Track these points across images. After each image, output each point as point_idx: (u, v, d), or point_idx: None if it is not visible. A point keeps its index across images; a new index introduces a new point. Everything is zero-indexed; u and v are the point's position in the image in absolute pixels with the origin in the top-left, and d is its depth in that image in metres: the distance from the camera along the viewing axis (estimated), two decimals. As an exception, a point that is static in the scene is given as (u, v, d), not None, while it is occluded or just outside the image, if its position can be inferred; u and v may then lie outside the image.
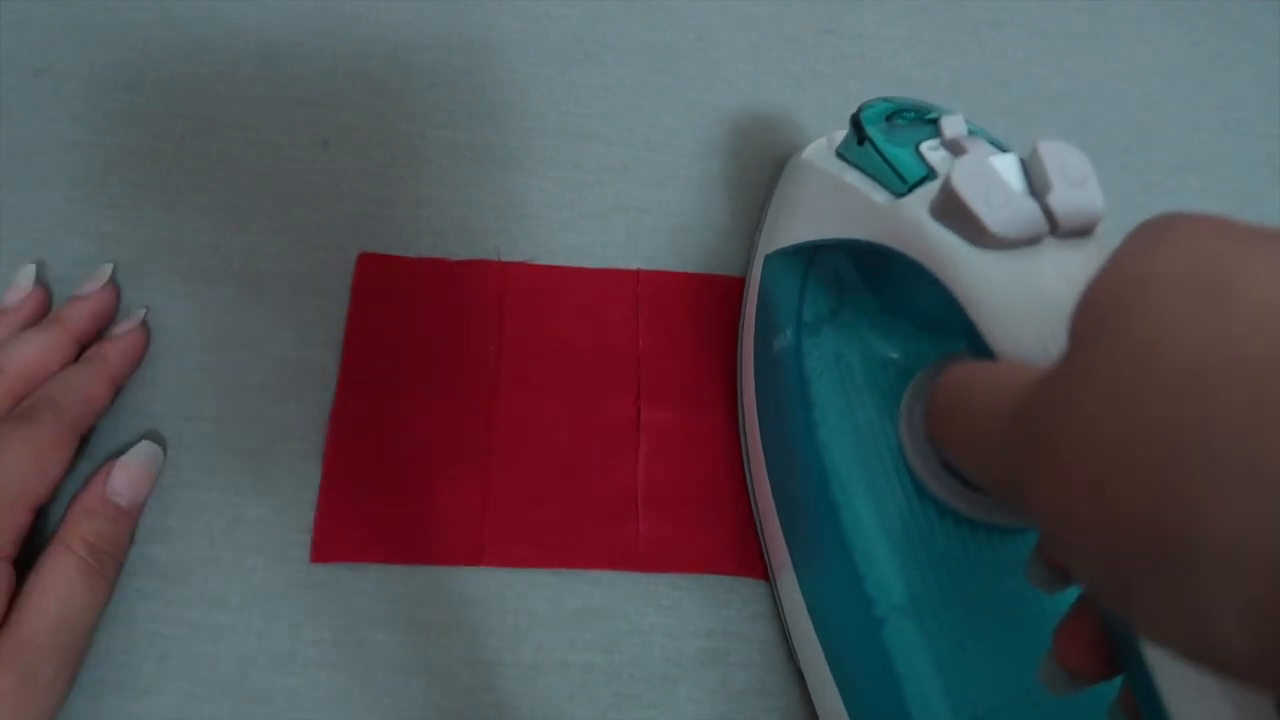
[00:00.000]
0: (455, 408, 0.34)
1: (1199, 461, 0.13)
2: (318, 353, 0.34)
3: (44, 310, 0.34)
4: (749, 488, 0.33)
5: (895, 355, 0.31)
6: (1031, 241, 0.22)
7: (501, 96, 0.41)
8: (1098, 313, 0.16)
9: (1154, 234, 0.16)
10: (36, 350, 0.31)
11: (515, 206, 0.38)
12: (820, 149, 0.33)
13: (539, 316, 0.36)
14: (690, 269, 0.37)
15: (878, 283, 0.31)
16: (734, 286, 0.37)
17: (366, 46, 0.41)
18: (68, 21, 0.40)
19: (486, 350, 0.35)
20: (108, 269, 0.34)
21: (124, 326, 0.33)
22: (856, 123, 0.30)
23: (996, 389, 0.18)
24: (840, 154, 0.31)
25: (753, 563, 0.32)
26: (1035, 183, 0.23)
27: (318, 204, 0.37)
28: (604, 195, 0.39)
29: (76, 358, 0.32)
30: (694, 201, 0.39)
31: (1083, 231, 0.22)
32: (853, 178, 0.29)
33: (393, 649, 0.30)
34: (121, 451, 0.31)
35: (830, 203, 0.30)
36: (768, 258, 0.34)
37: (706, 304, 0.36)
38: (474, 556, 0.31)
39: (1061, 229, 0.22)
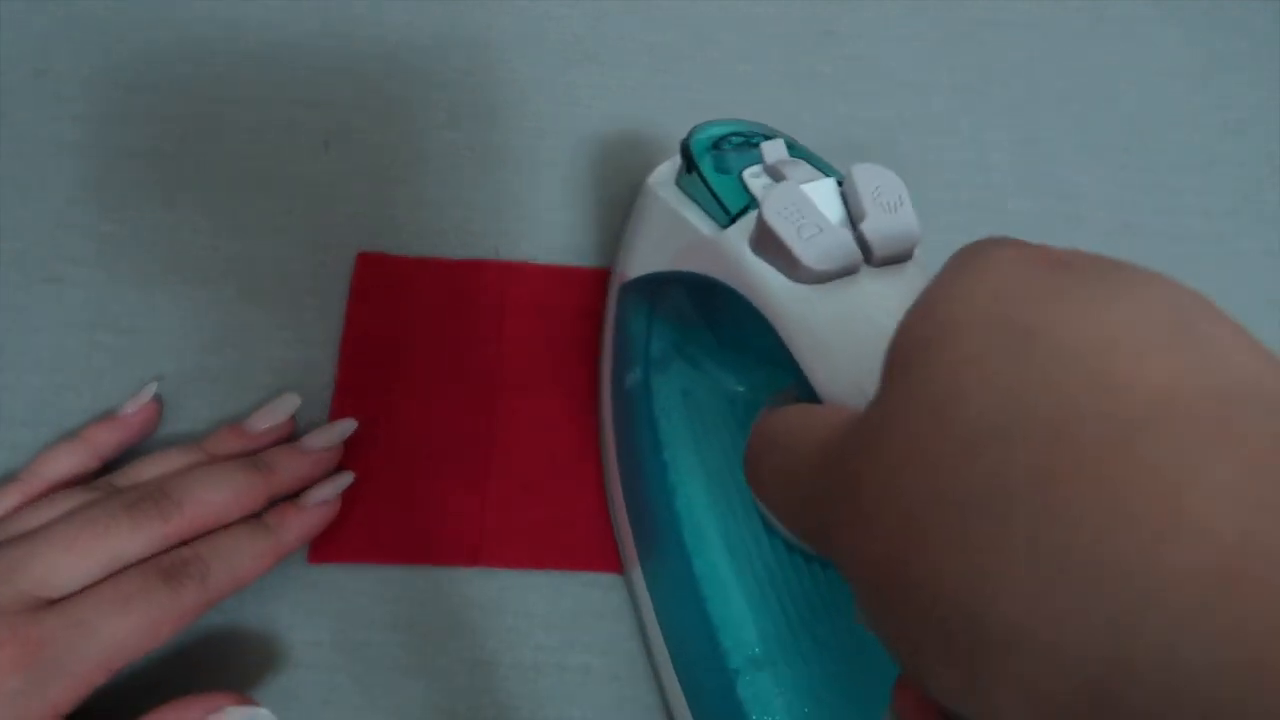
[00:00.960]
0: (454, 408, 0.34)
1: (987, 532, 0.12)
2: (316, 353, 0.34)
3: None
4: (612, 521, 0.33)
5: (741, 389, 0.31)
6: (847, 272, 0.21)
7: (501, 97, 0.41)
8: (905, 355, 0.15)
9: (964, 269, 0.15)
10: (225, 495, 0.28)
11: (515, 207, 0.38)
12: (665, 174, 0.32)
13: (539, 316, 0.36)
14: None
15: (714, 316, 0.30)
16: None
17: (366, 47, 0.41)
18: (68, 22, 0.40)
19: (486, 350, 0.35)
20: (332, 431, 0.31)
21: (321, 492, 0.30)
22: (685, 149, 0.28)
23: (808, 430, 0.17)
24: (677, 182, 0.30)
25: None
26: (851, 211, 0.22)
27: (318, 204, 0.37)
28: (604, 196, 0.39)
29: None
30: (693, 202, 0.39)
31: (900, 258, 0.22)
32: (685, 207, 0.28)
33: (391, 650, 0.30)
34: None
35: (668, 234, 0.29)
36: (622, 287, 0.33)
37: None
38: (472, 557, 0.31)
39: (877, 257, 0.21)
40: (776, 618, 0.27)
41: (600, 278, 0.37)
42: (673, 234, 0.28)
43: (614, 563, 0.32)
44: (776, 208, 0.22)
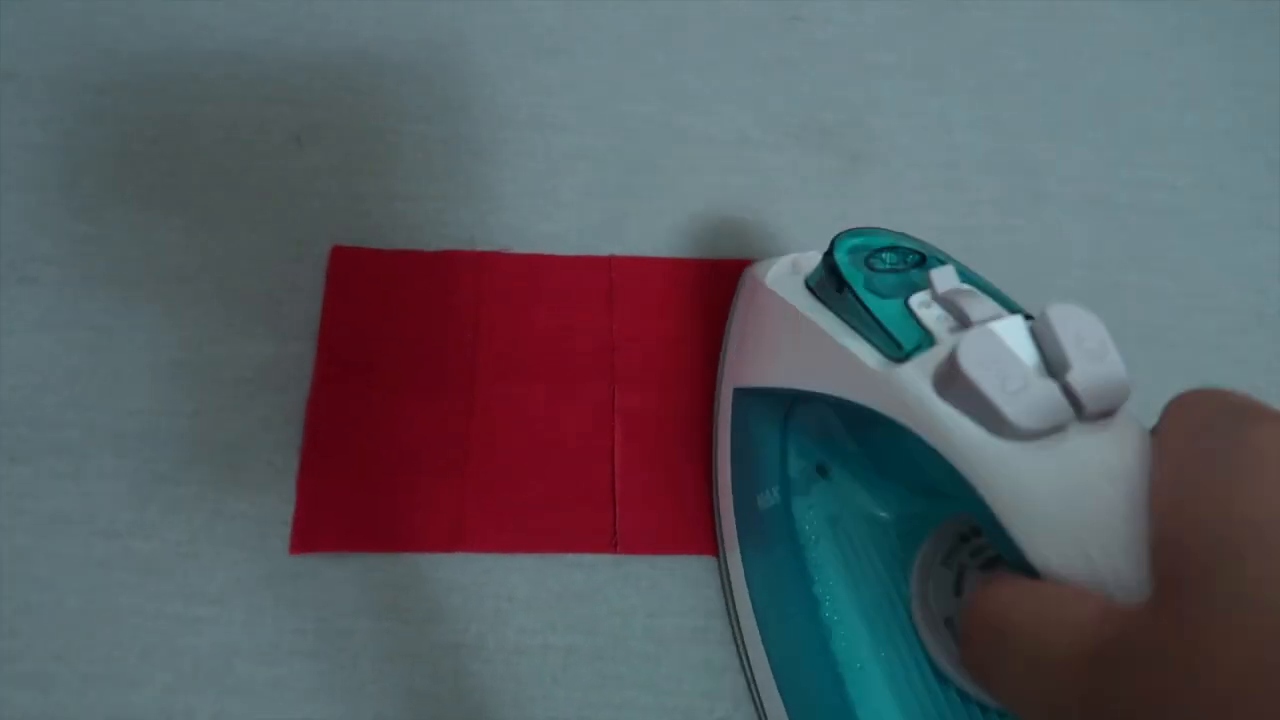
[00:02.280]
0: (432, 397, 0.34)
1: None
2: (293, 347, 0.34)
3: None
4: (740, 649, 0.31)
5: (889, 516, 0.29)
6: (1055, 429, 0.19)
7: (473, 89, 0.41)
8: (1187, 549, 0.14)
9: (1239, 443, 0.14)
10: None
11: (489, 198, 0.38)
12: (784, 274, 0.30)
13: (514, 304, 0.36)
14: (663, 253, 0.38)
15: (870, 444, 0.28)
16: (705, 270, 0.37)
17: (337, 43, 0.41)
18: (35, 25, 0.40)
19: (462, 339, 0.35)
20: None
21: None
22: (833, 268, 0.26)
23: (1055, 623, 0.16)
24: (812, 288, 0.28)
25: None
26: (1050, 358, 0.20)
27: (291, 200, 0.37)
28: (577, 184, 0.39)
29: None
30: (666, 187, 0.39)
31: (1109, 411, 0.20)
32: (832, 326, 0.26)
33: (375, 637, 0.30)
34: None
35: (809, 351, 0.27)
36: (739, 391, 0.31)
37: (679, 288, 0.37)
38: (454, 543, 0.32)
39: (1088, 412, 0.19)
40: None
41: (574, 264, 0.37)
42: (818, 353, 0.26)
43: (600, 543, 0.32)
44: (975, 357, 0.20)
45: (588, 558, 0.32)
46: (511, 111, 0.41)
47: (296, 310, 0.35)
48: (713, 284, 0.37)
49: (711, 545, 0.33)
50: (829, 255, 0.27)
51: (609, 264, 0.37)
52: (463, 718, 0.29)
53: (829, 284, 0.27)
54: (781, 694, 0.28)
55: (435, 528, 0.32)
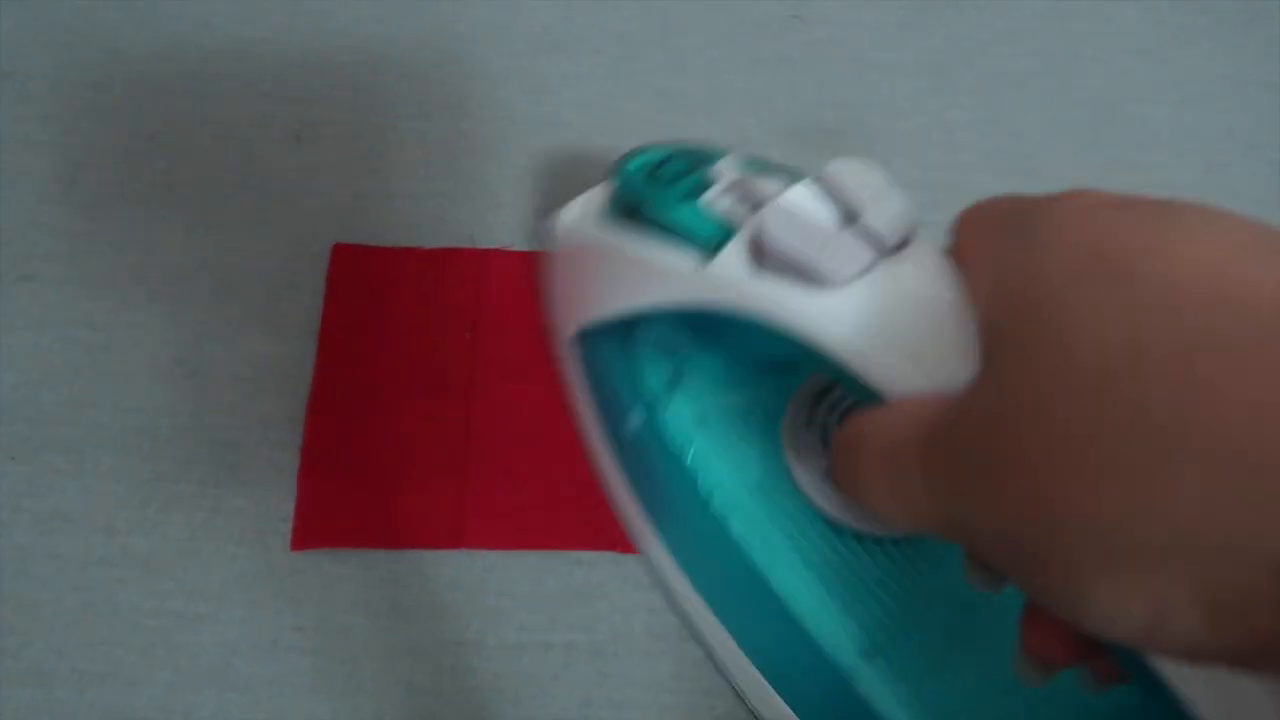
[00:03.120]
0: (432, 394, 0.34)
1: (1140, 459, 0.13)
2: (294, 345, 0.34)
3: None
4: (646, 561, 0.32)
5: (751, 399, 0.30)
6: (866, 270, 0.21)
7: (472, 87, 0.41)
8: (1003, 327, 0.16)
9: (1032, 231, 0.16)
10: None
11: (488, 196, 0.38)
12: (579, 214, 0.31)
13: (514, 302, 0.36)
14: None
15: (713, 339, 0.29)
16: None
17: (336, 40, 0.41)
18: (34, 23, 0.40)
19: (462, 337, 0.35)
20: None
21: None
22: (621, 189, 0.28)
23: (900, 427, 0.18)
24: (610, 218, 0.28)
25: None
26: (844, 209, 0.22)
27: (290, 198, 0.37)
28: (576, 182, 0.39)
29: None
30: (666, 186, 0.39)
31: (906, 241, 0.22)
32: (637, 246, 0.26)
33: (375, 634, 0.30)
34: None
35: (627, 275, 0.28)
36: (576, 339, 0.31)
37: None
38: (454, 540, 0.32)
39: (889, 246, 0.21)
40: (871, 607, 0.27)
41: None
42: (635, 274, 0.27)
43: (601, 541, 0.32)
44: (778, 230, 0.21)
45: (588, 555, 0.32)
46: (511, 109, 0.41)
47: (296, 308, 0.35)
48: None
49: None
50: (615, 180, 0.28)
51: None
52: (463, 715, 0.29)
53: (622, 208, 0.28)
54: (702, 594, 0.30)
55: (435, 525, 0.32)
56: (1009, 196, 0.18)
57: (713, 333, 0.29)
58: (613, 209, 0.28)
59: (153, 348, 0.34)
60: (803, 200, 0.22)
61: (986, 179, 0.41)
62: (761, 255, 0.22)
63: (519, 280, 0.36)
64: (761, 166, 0.26)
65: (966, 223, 0.20)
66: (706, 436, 0.29)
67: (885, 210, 0.21)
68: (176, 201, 0.37)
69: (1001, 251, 0.17)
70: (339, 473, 0.32)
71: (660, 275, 0.26)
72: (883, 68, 0.44)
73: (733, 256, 0.23)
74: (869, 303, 0.21)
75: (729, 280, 0.23)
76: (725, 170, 0.26)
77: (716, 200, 0.25)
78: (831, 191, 0.22)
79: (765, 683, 0.28)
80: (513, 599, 0.31)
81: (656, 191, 0.27)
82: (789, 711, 0.28)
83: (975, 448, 0.16)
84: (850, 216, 0.22)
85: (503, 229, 0.38)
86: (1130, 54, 0.46)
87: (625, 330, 0.30)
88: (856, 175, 0.22)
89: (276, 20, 0.41)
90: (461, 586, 0.31)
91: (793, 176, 0.24)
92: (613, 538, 0.32)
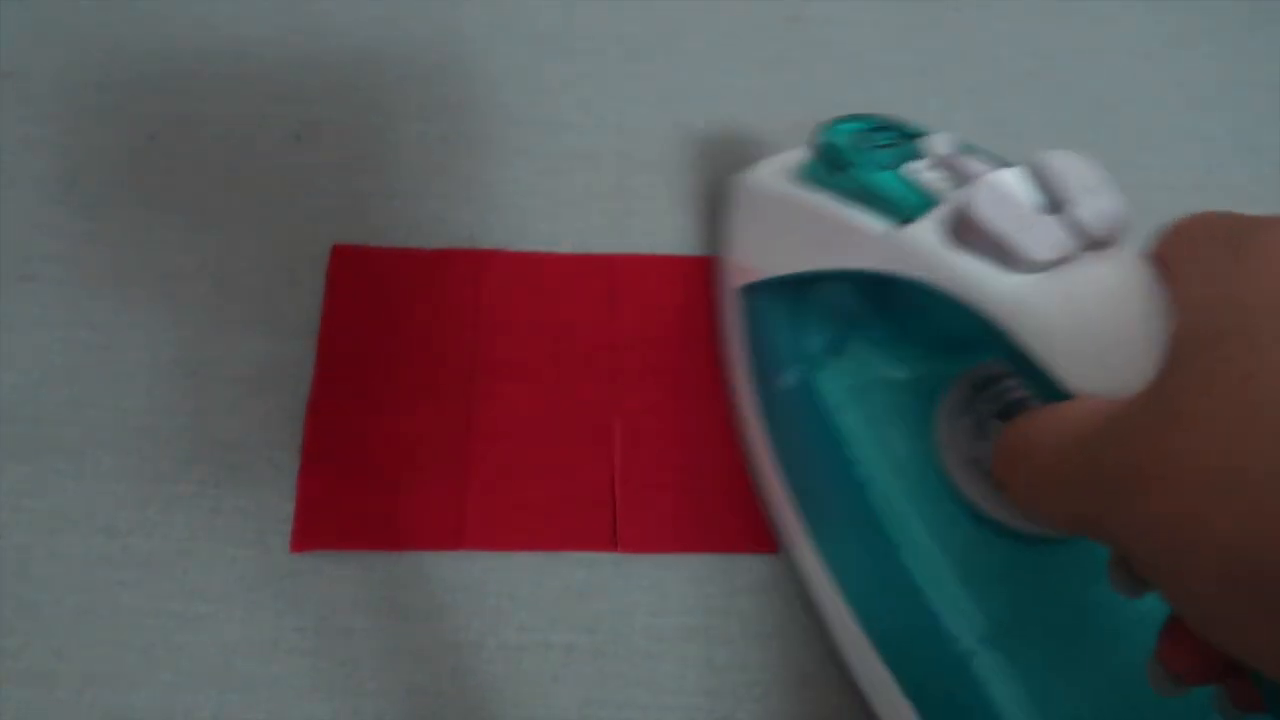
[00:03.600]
0: (432, 395, 0.34)
1: None
2: (293, 345, 0.34)
3: None
4: (771, 516, 0.33)
5: (911, 377, 0.30)
6: (1065, 259, 0.21)
7: (472, 87, 0.41)
8: (1194, 342, 0.16)
9: (1243, 249, 0.16)
10: None
11: (488, 196, 0.38)
12: (774, 172, 0.32)
13: (515, 303, 0.36)
14: (663, 253, 0.38)
15: (886, 309, 0.30)
16: (707, 267, 0.37)
17: (337, 40, 0.41)
18: (35, 22, 0.40)
19: (463, 337, 0.35)
20: None
21: None
22: (829, 147, 0.28)
23: (1068, 425, 0.18)
24: (810, 178, 0.29)
25: (748, 539, 0.33)
26: (1054, 197, 0.22)
27: (290, 198, 0.37)
28: (576, 183, 0.39)
29: None
30: (665, 187, 0.39)
31: (1112, 239, 0.21)
32: (833, 206, 0.27)
33: (375, 635, 0.30)
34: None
35: (813, 233, 0.29)
36: (746, 290, 0.33)
37: (680, 286, 0.37)
38: (454, 541, 0.32)
39: (1092, 240, 0.21)
40: (999, 596, 0.27)
41: (575, 263, 0.37)
42: (823, 233, 0.28)
43: (601, 541, 0.32)
44: (986, 202, 0.22)
45: (588, 556, 0.32)
46: (511, 110, 0.41)
47: (296, 308, 0.35)
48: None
49: (714, 543, 0.32)
50: (824, 138, 0.28)
51: (610, 262, 0.37)
52: (463, 716, 0.29)
53: (825, 167, 0.28)
54: (827, 558, 0.30)
55: (436, 525, 0.32)
56: (1228, 214, 0.18)
57: (889, 303, 0.29)
58: (813, 169, 0.29)
59: (153, 348, 0.34)
60: (1011, 180, 0.22)
61: (987, 179, 0.41)
62: (961, 229, 0.22)
63: (519, 282, 0.36)
64: (972, 149, 0.27)
65: (1178, 233, 0.20)
66: (859, 406, 0.30)
67: (1094, 203, 0.21)
68: (177, 201, 0.37)
69: (1208, 268, 0.17)
70: (339, 473, 0.32)
71: (853, 237, 0.26)
72: (883, 68, 0.44)
73: (930, 226, 0.24)
74: (1063, 292, 0.21)
75: (924, 250, 0.24)
76: (936, 145, 0.26)
77: (923, 172, 0.25)
78: (1043, 179, 0.22)
79: (876, 657, 0.28)
80: (513, 599, 0.31)
81: (864, 154, 0.27)
82: (906, 703, 0.28)
83: (1141, 458, 0.15)
84: (1058, 205, 0.21)
85: (502, 230, 0.38)
86: (1130, 54, 0.46)
87: (797, 288, 0.31)
88: (1072, 166, 0.22)
89: (276, 20, 0.41)
90: (461, 587, 0.31)
91: (1004, 164, 0.24)
92: (612, 538, 0.32)
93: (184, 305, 0.35)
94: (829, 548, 0.30)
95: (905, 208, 0.25)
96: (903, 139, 0.28)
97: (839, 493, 0.29)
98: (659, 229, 0.38)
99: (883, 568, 0.28)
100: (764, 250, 0.32)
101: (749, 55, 0.43)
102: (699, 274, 0.37)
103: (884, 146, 0.27)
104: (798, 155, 0.31)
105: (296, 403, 0.33)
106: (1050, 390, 0.20)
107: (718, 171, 0.40)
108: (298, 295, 0.35)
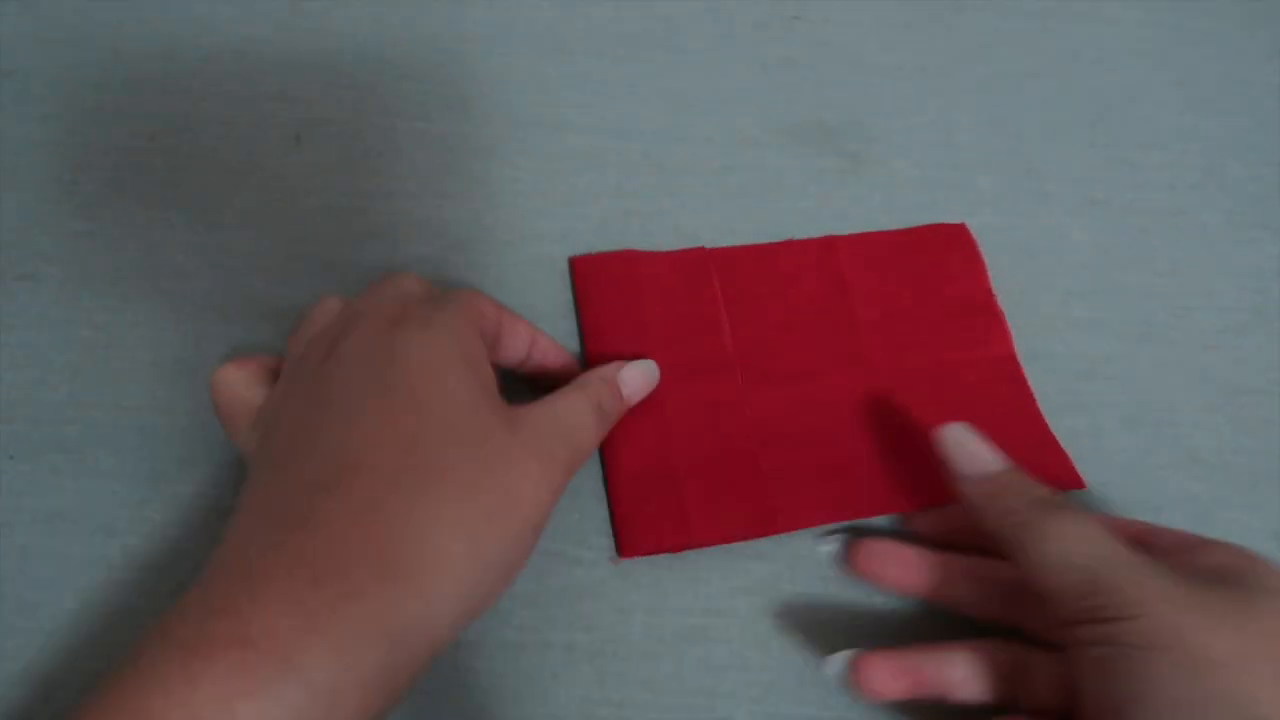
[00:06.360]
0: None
1: None
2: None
3: None
4: None
5: None
6: None
7: (473, 88, 0.41)
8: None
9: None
10: None
11: (488, 196, 0.38)
12: None
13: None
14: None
15: None
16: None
17: (337, 41, 0.41)
18: (35, 22, 0.40)
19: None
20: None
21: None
22: None
23: None
24: None
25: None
26: None
27: (290, 199, 0.37)
28: (577, 183, 0.39)
29: None
30: (665, 187, 0.39)
31: None
32: None
33: (375, 634, 0.30)
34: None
35: None
36: None
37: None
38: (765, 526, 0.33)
39: None
40: None
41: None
42: None
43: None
44: None
45: (588, 555, 0.32)
46: (511, 110, 0.41)
47: (296, 308, 0.35)
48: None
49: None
50: None
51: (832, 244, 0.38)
52: (463, 714, 0.29)
53: None
54: None
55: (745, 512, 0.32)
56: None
57: None
58: None
59: (152, 348, 0.34)
60: None
61: (987, 179, 0.41)
62: None
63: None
64: None
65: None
66: None
67: None
68: (177, 201, 0.37)
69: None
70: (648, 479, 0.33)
71: None
72: (883, 68, 0.44)
73: None
74: None
75: None
76: None
77: None
78: None
79: None
80: (512, 598, 0.31)
81: None
82: None
83: None
84: None
85: (503, 229, 0.38)
86: (1130, 54, 0.46)
87: None
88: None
89: (276, 20, 0.41)
90: (461, 586, 0.31)
91: None
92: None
93: (184, 305, 0.35)
94: None
95: None
96: None
97: None
98: (657, 230, 0.38)
99: None
100: None
101: (750, 54, 0.43)
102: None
103: None
104: None
105: (296, 402, 0.33)
106: None
107: (717, 173, 0.40)
108: (298, 295, 0.35)
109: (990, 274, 0.38)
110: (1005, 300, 0.38)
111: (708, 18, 0.44)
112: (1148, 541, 0.27)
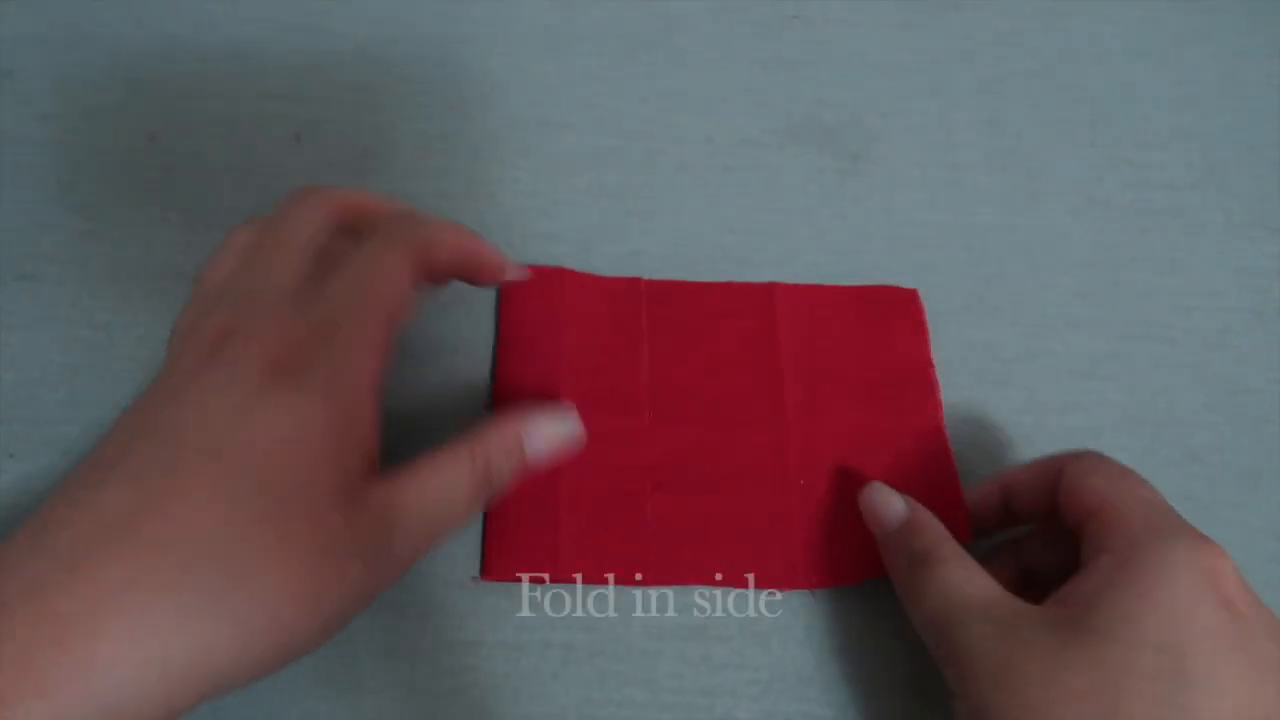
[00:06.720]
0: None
1: None
2: (294, 344, 0.34)
3: None
4: None
5: None
6: None
7: (472, 87, 0.41)
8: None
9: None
10: None
11: (488, 196, 0.38)
12: None
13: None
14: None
15: None
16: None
17: (337, 40, 0.41)
18: (34, 22, 0.40)
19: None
20: None
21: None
22: None
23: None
24: None
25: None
26: None
27: (291, 197, 0.37)
28: (577, 183, 0.39)
29: None
30: (665, 187, 0.39)
31: None
32: None
33: (375, 632, 0.30)
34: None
35: None
36: None
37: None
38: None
39: None
40: None
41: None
42: None
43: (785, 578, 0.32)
44: None
45: (587, 555, 0.32)
46: (511, 110, 0.41)
47: (296, 308, 0.35)
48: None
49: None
50: None
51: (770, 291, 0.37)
52: (462, 714, 0.29)
53: None
54: None
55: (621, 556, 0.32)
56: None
57: None
58: None
59: (153, 346, 0.34)
60: None
61: (987, 179, 0.41)
62: None
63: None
64: None
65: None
66: None
67: None
68: (176, 201, 0.37)
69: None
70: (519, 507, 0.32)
71: None
72: (882, 68, 0.44)
73: None
74: None
75: None
76: None
77: None
78: None
79: None
80: (511, 599, 0.31)
81: None
82: None
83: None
84: None
85: (502, 230, 0.38)
86: (1130, 54, 0.46)
87: None
88: None
89: (277, 20, 0.41)
90: (460, 585, 0.31)
91: None
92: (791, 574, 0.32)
93: (183, 305, 0.35)
94: None
95: None
96: None
97: None
98: (657, 230, 0.38)
99: None
100: None
101: (749, 53, 0.43)
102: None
103: None
104: None
105: (296, 402, 0.33)
106: None
107: (717, 173, 0.40)
108: (297, 295, 0.35)
109: (990, 274, 0.38)
110: (1004, 301, 0.38)
111: (708, 18, 0.44)
112: (1015, 492, 0.31)
